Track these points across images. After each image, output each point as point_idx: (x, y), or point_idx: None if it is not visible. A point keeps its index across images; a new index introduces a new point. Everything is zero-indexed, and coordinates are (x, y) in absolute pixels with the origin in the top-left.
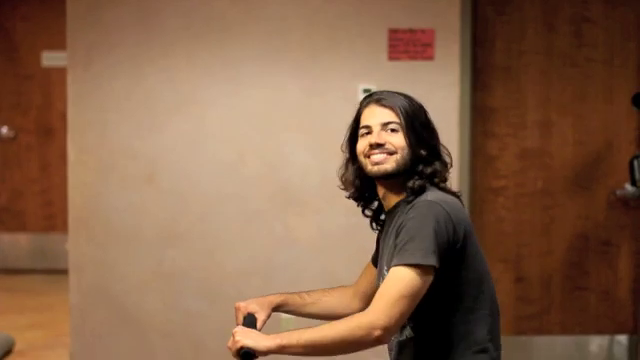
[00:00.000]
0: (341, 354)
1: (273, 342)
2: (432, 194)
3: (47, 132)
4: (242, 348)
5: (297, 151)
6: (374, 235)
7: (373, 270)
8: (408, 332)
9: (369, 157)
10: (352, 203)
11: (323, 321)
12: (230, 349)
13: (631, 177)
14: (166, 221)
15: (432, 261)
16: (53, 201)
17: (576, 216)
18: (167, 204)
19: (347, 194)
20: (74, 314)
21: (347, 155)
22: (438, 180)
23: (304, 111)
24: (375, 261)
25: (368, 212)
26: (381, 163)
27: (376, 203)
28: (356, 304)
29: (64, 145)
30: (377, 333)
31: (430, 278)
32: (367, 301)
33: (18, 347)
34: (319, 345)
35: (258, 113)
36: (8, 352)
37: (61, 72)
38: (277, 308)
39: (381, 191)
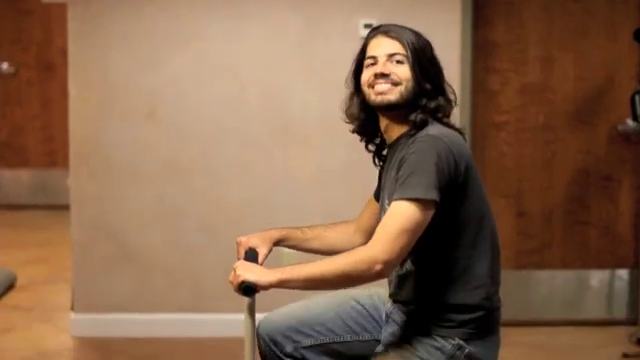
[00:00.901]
0: (342, 288)
1: (274, 276)
2: (434, 129)
3: (48, 68)
4: (243, 282)
5: (298, 87)
6: (374, 170)
7: (375, 205)
8: (409, 265)
9: (373, 87)
10: (352, 139)
11: (325, 256)
12: (231, 283)
13: (633, 112)
14: (167, 157)
15: (433, 195)
16: (54, 137)
17: (577, 151)
18: (168, 140)
19: (351, 128)
20: (75, 249)
21: (352, 88)
22: (441, 115)
23: (305, 46)
24: (377, 197)
25: (371, 147)
26: (385, 93)
27: (379, 139)
28: (358, 240)
29: (65, 81)
30: (378, 267)
31: (431, 213)
32: (369, 237)
33: (20, 282)
34: (320, 279)
35: (259, 49)
36: (10, 287)
37: (61, 8)
38: (278, 243)
39: (383, 123)
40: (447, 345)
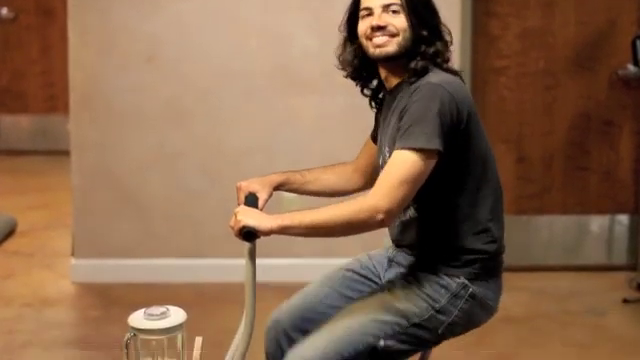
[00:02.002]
0: (342, 236)
1: (275, 222)
2: (435, 76)
3: (47, 13)
4: (244, 228)
5: (299, 31)
6: (374, 115)
7: (372, 146)
8: (411, 212)
9: (371, 40)
10: (353, 84)
11: (327, 201)
12: (232, 228)
13: (634, 57)
14: (168, 101)
15: (436, 145)
16: (54, 82)
17: (578, 96)
18: (168, 84)
19: (345, 74)
20: (76, 195)
21: (345, 34)
22: (440, 60)
23: None
24: (374, 137)
25: (367, 91)
26: (383, 46)
27: (375, 82)
28: (356, 180)
29: (65, 26)
30: (380, 216)
31: (433, 162)
32: (367, 177)
33: (20, 228)
34: (321, 227)
35: None
36: (11, 233)
37: None
38: (278, 187)
39: (383, 73)
40: (452, 283)
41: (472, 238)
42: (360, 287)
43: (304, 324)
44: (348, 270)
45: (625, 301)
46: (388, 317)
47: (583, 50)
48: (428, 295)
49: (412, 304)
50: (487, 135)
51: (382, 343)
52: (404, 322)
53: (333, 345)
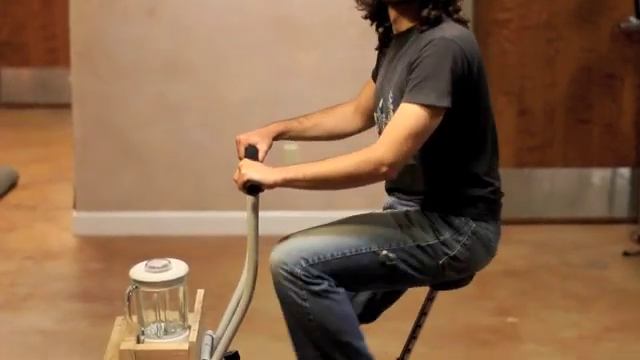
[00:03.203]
0: (346, 188)
1: (279, 176)
2: (448, 29)
3: None
4: (248, 181)
5: None
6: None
7: (373, 86)
8: (411, 160)
9: None
10: (355, 36)
11: (328, 154)
12: (236, 182)
13: (636, 10)
14: (169, 53)
15: (446, 103)
16: (55, 35)
17: (580, 49)
18: (170, 36)
19: (362, 14)
20: (77, 148)
21: None
22: (452, 9)
23: None
24: (375, 76)
25: (381, 29)
26: None
27: (388, 23)
28: (356, 121)
29: None
30: (384, 169)
31: (440, 119)
32: (367, 117)
33: (22, 181)
34: (325, 179)
35: None
36: (12, 186)
37: None
38: (278, 137)
39: (393, 15)
40: (455, 220)
41: (470, 188)
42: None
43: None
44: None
45: (626, 254)
46: (397, 233)
47: (585, 3)
48: (435, 227)
49: (421, 229)
50: (489, 87)
51: (385, 253)
52: (410, 241)
53: (337, 240)
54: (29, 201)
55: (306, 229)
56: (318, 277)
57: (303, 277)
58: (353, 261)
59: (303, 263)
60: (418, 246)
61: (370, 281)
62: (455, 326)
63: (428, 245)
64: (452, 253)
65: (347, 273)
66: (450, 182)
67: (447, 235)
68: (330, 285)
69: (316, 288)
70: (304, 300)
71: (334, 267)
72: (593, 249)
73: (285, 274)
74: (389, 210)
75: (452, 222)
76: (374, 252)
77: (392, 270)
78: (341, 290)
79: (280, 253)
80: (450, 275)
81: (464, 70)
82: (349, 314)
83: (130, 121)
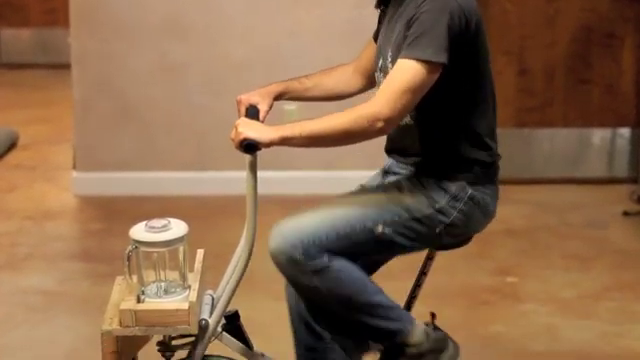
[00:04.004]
0: (343, 145)
1: (276, 134)
2: None
3: None
4: (245, 140)
5: None
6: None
7: (374, 46)
8: (407, 119)
9: None
10: None
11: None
12: (233, 141)
13: None
14: (169, 13)
15: (442, 58)
16: None
17: (580, 8)
18: None
19: None
20: (77, 108)
21: None
22: None
23: None
24: (376, 37)
25: None
26: None
27: None
28: (356, 81)
29: None
30: (380, 125)
31: (437, 75)
32: (367, 78)
33: (22, 141)
34: (322, 136)
35: None
36: (12, 146)
37: None
38: (278, 97)
39: None
40: (452, 186)
41: (469, 149)
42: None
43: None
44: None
45: (625, 214)
46: (391, 206)
47: None
48: (429, 195)
49: (414, 199)
50: (489, 47)
51: (380, 229)
52: (405, 214)
53: (330, 220)
54: (29, 161)
55: (301, 211)
56: (316, 256)
57: (302, 260)
58: (348, 240)
59: (299, 246)
60: (413, 218)
61: (367, 254)
62: (455, 286)
63: (423, 216)
64: (448, 220)
65: (344, 251)
66: (447, 143)
67: (443, 202)
68: (329, 258)
69: (318, 266)
70: (311, 279)
71: (331, 246)
72: (593, 209)
73: (286, 261)
74: (382, 182)
75: (448, 189)
76: (369, 229)
77: (388, 244)
78: (340, 258)
79: (277, 241)
80: (447, 240)
81: (461, 27)
82: (357, 275)
83: (130, 81)
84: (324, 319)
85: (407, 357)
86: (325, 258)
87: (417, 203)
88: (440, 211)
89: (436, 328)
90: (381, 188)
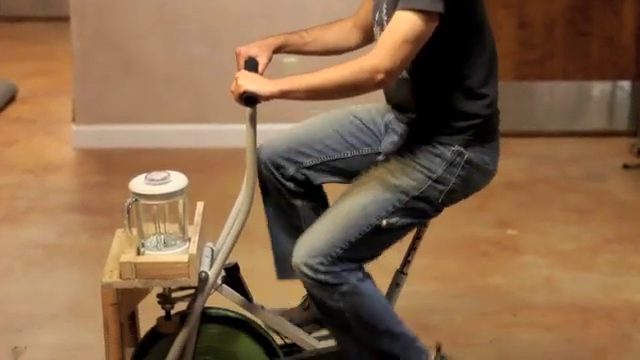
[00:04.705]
0: (343, 98)
1: (276, 87)
2: None
3: None
4: (245, 92)
5: None
6: None
7: (372, 1)
8: (404, 74)
9: None
10: None
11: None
12: (233, 93)
13: None
14: None
15: (439, 8)
16: None
17: None
18: None
19: None
20: (76, 61)
21: None
22: None
23: None
24: None
25: None
26: None
27: None
28: (355, 36)
29: None
30: (380, 77)
31: (435, 24)
32: (366, 32)
33: (21, 94)
34: (321, 89)
35: None
36: (11, 99)
37: None
38: (278, 50)
39: None
40: (447, 152)
41: (466, 102)
42: (364, 138)
43: (297, 156)
44: (356, 117)
45: (625, 167)
46: (387, 195)
47: None
48: (424, 166)
49: (409, 178)
50: (488, 0)
51: (385, 222)
52: (404, 197)
53: (339, 233)
54: (29, 115)
55: (308, 230)
56: (342, 273)
57: (330, 281)
58: (362, 242)
59: (322, 268)
60: (413, 197)
61: (385, 245)
62: (455, 238)
63: (422, 192)
64: (448, 188)
65: (362, 253)
66: (443, 96)
67: (440, 171)
68: (357, 278)
69: (345, 288)
70: (337, 301)
71: (349, 256)
72: (593, 162)
73: (313, 283)
74: (373, 168)
75: (443, 154)
76: (375, 225)
77: (399, 229)
78: (368, 279)
79: (299, 263)
80: (449, 204)
81: None
82: (381, 303)
83: (129, 33)
84: (338, 335)
85: None
86: (353, 278)
87: (412, 181)
88: (438, 181)
89: (443, 358)
90: (373, 178)
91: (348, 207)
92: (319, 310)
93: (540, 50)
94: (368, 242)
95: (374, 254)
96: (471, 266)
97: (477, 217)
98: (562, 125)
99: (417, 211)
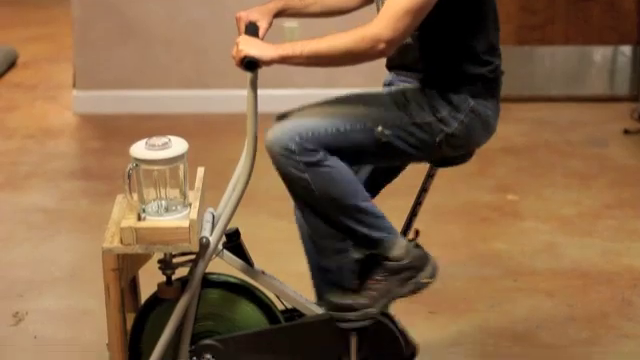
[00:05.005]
0: (344, 65)
1: (276, 52)
2: None
3: None
4: (246, 57)
5: None
6: None
7: None
8: (408, 39)
9: None
10: None
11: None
12: (234, 58)
13: None
14: None
15: None
16: None
17: None
18: None
19: None
20: (76, 26)
21: None
22: None
23: None
24: None
25: None
26: None
27: None
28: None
29: None
30: (381, 46)
31: None
32: None
33: (22, 59)
34: (323, 56)
35: None
36: (12, 64)
37: None
38: (278, 14)
39: None
40: (454, 97)
41: (470, 66)
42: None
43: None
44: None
45: (626, 132)
46: (392, 108)
47: None
48: (431, 104)
49: (417, 106)
50: None
51: (380, 129)
52: (406, 118)
53: (331, 116)
54: (29, 80)
55: (300, 107)
56: (313, 150)
57: (297, 151)
58: (347, 137)
59: (297, 138)
60: (414, 123)
61: (364, 157)
62: (455, 203)
63: (424, 122)
64: (449, 130)
65: (341, 148)
66: (449, 60)
67: (445, 112)
68: (325, 155)
69: (312, 159)
70: (302, 172)
71: (328, 142)
72: (593, 127)
73: (281, 151)
74: (386, 88)
75: (451, 99)
76: (369, 129)
77: (387, 147)
78: (335, 158)
79: (275, 132)
80: (447, 151)
81: None
82: (349, 178)
83: None
84: (306, 213)
85: (385, 270)
86: (321, 154)
87: (419, 109)
88: (441, 120)
89: (418, 246)
90: (386, 92)
91: (352, 102)
92: (285, 183)
93: (541, 15)
94: (352, 137)
95: (349, 157)
96: (472, 232)
97: (478, 182)
98: (563, 90)
99: (413, 137)
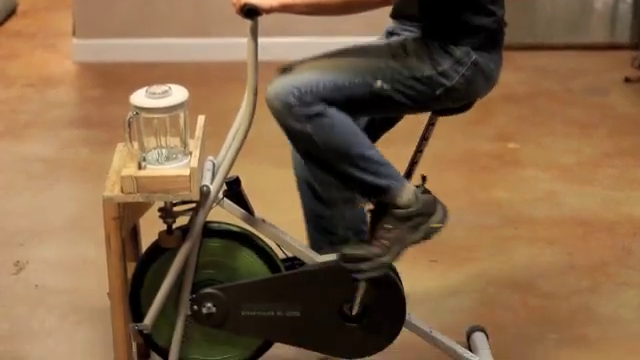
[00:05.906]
0: (345, 14)
1: (277, 0)
2: None
3: None
4: (246, 5)
5: None
6: None
7: None
8: None
9: None
10: None
11: None
12: (234, 5)
13: None
14: None
15: None
16: None
17: None
18: None
19: None
20: None
21: None
22: None
23: None
24: None
25: None
26: None
27: None
28: None
29: None
30: None
31: None
32: None
33: (21, 8)
34: (323, 5)
35: None
36: (12, 13)
37: None
38: None
39: None
40: (456, 50)
41: (472, 17)
42: None
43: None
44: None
45: (627, 80)
46: (392, 62)
47: None
48: (433, 57)
49: (417, 59)
50: None
51: (379, 83)
52: (406, 72)
53: (330, 70)
54: (29, 28)
55: (301, 60)
56: (312, 103)
57: (297, 104)
58: (346, 90)
59: (296, 92)
60: (414, 77)
61: (363, 109)
62: (456, 151)
63: (425, 76)
64: (450, 84)
65: (340, 101)
66: (451, 11)
67: (446, 66)
68: (324, 107)
69: (312, 111)
70: (304, 125)
71: (327, 95)
72: (594, 75)
73: (281, 105)
74: (386, 40)
75: (452, 52)
76: (368, 82)
77: (386, 99)
78: (335, 109)
79: (274, 87)
80: (447, 103)
81: None
82: (351, 127)
83: None
84: (316, 167)
85: (395, 218)
86: (320, 105)
87: (420, 63)
88: (442, 74)
89: (426, 191)
90: (385, 45)
91: (351, 55)
92: (288, 138)
93: None
94: (351, 91)
95: (349, 110)
96: (472, 180)
97: (478, 131)
98: (564, 38)
99: (412, 90)
